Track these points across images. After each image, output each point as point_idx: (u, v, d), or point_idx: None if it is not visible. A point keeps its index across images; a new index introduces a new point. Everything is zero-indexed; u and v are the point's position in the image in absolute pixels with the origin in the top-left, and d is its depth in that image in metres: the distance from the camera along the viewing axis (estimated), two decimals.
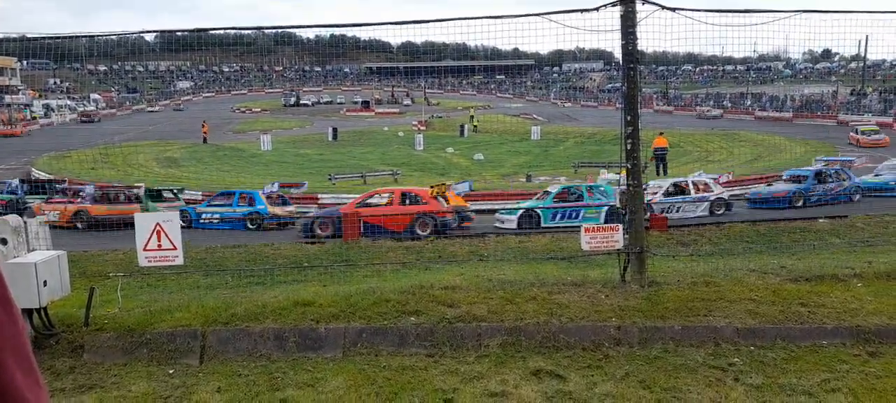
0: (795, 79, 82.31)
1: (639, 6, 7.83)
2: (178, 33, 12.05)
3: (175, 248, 7.38)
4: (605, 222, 15.36)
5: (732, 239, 12.89)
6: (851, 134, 38.20)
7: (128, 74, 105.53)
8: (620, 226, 8.31)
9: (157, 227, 7.32)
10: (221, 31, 54.01)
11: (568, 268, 9.52)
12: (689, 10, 7.96)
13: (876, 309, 6.87)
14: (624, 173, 8.53)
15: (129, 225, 14.16)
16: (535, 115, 64.39)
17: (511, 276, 8.44)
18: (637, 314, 6.85)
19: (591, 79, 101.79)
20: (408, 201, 16.16)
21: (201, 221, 17.79)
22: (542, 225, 16.05)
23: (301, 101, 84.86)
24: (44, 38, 9.92)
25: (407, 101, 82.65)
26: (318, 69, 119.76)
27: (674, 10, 7.90)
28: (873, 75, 73.04)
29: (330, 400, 5.36)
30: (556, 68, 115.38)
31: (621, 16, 7.90)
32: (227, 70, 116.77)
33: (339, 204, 18.77)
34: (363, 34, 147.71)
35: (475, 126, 54.24)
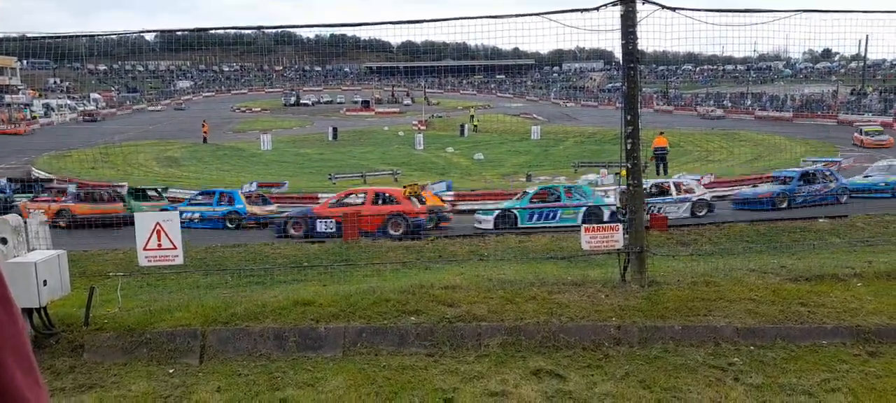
0: (795, 78, 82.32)
1: (639, 6, 7.83)
2: (179, 33, 12.08)
3: (175, 248, 7.38)
4: (583, 222, 15.49)
5: (732, 238, 12.88)
6: (855, 134, 37.61)
7: (128, 74, 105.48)
8: (620, 226, 8.32)
9: (157, 227, 7.33)
10: (221, 31, 53.93)
11: (568, 268, 9.52)
12: (690, 9, 7.97)
13: (876, 309, 6.87)
14: (624, 173, 8.53)
15: (111, 224, 14.31)
16: (535, 115, 64.35)
17: (511, 276, 8.44)
18: (637, 313, 6.85)
19: (591, 78, 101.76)
20: (381, 201, 16.23)
21: (181, 220, 17.81)
22: (519, 225, 16.02)
23: (301, 101, 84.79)
24: (44, 37, 9.93)
25: (407, 101, 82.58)
26: (318, 69, 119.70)
27: (674, 9, 7.90)
28: (873, 75, 73.06)
29: (330, 400, 5.36)
30: (556, 68, 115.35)
31: (621, 15, 7.90)
32: (227, 69, 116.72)
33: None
34: (363, 34, 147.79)
35: (475, 125, 54.21)
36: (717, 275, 8.24)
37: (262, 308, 7.02)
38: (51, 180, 22.59)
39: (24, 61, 72.74)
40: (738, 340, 6.40)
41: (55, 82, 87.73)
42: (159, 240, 7.32)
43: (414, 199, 16.32)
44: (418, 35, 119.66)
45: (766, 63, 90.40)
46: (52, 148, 39.01)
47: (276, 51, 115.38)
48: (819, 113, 55.19)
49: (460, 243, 13.21)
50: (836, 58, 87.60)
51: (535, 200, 16.91)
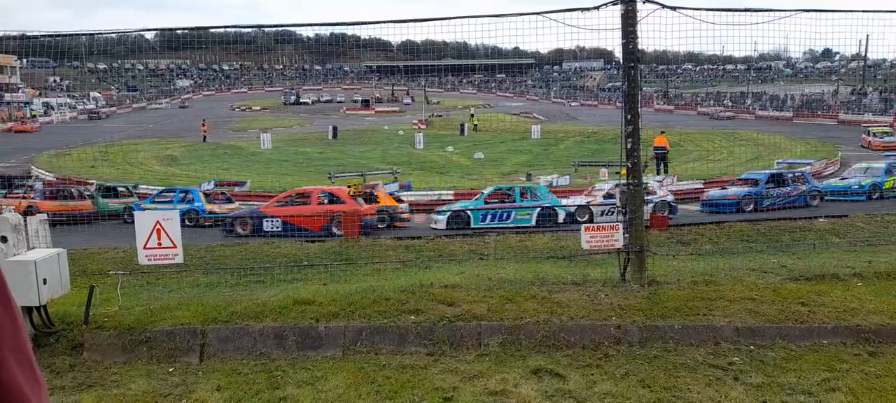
0: (796, 78, 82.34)
1: (639, 5, 7.83)
2: (179, 31, 12.05)
3: (175, 247, 7.38)
4: (536, 224, 15.60)
5: (732, 238, 12.89)
6: (863, 135, 36.82)
7: (128, 72, 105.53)
8: (620, 225, 8.32)
9: (158, 226, 7.33)
10: (221, 30, 53.77)
11: (568, 267, 9.52)
12: (690, 8, 7.97)
13: (876, 309, 6.87)
14: (624, 172, 8.53)
15: (77, 221, 14.30)
16: (535, 114, 64.34)
17: (511, 275, 8.44)
18: (637, 313, 6.85)
19: (591, 77, 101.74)
20: (327, 201, 16.30)
21: None
22: (472, 226, 15.95)
23: (301, 100, 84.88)
24: (44, 36, 9.93)
25: (407, 100, 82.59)
26: (318, 67, 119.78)
27: (674, 8, 7.90)
28: (874, 74, 73.06)
29: (330, 399, 5.36)
30: (556, 67, 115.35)
31: (622, 15, 7.90)
32: (227, 68, 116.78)
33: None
34: (363, 33, 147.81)
35: (475, 125, 54.20)
36: (718, 275, 8.24)
37: (262, 307, 7.02)
38: (27, 177, 22.54)
39: (24, 60, 72.74)
40: (738, 340, 6.40)
41: (55, 81, 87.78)
42: (159, 239, 7.33)
43: (360, 199, 16.34)
44: (418, 34, 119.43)
45: (766, 62, 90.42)
46: (61, 145, 39.05)
47: (275, 49, 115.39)
48: (819, 113, 55.16)
49: (460, 243, 13.22)
50: (837, 57, 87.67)
51: (490, 200, 16.86)
